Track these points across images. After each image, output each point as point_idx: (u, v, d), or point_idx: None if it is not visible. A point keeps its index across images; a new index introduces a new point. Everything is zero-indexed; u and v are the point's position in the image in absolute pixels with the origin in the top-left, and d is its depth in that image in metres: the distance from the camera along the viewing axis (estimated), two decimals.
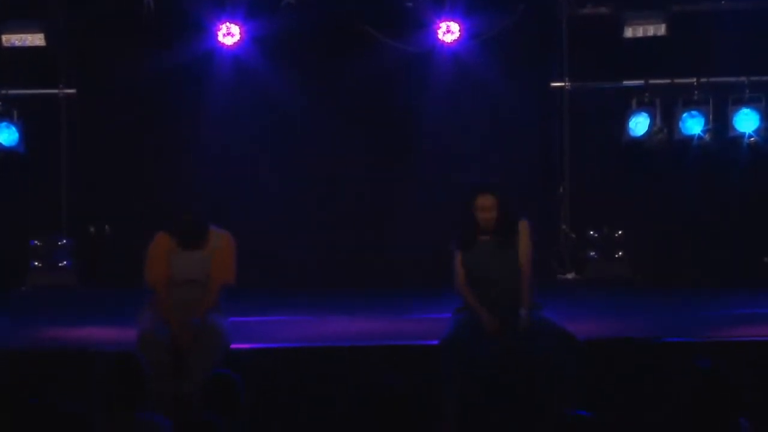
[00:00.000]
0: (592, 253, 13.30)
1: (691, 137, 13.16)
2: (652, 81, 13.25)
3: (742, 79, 13.16)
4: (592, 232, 13.34)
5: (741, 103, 13.09)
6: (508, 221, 8.20)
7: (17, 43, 13.00)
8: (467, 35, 13.21)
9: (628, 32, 13.01)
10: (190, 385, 7.55)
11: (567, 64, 13.52)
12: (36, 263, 13.19)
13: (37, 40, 13.00)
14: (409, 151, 13.53)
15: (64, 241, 13.30)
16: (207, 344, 7.86)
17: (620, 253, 13.27)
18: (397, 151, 13.58)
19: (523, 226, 8.21)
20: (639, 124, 13.21)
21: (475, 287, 8.12)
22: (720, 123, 13.16)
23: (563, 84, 13.59)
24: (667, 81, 13.27)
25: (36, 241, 13.23)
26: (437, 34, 13.20)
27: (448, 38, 13.20)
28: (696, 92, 13.19)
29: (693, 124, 13.14)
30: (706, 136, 13.15)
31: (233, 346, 8.16)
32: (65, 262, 13.23)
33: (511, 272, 8.10)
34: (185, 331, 7.89)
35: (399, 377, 4.85)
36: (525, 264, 8.13)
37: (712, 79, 13.24)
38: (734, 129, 13.12)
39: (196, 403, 6.59)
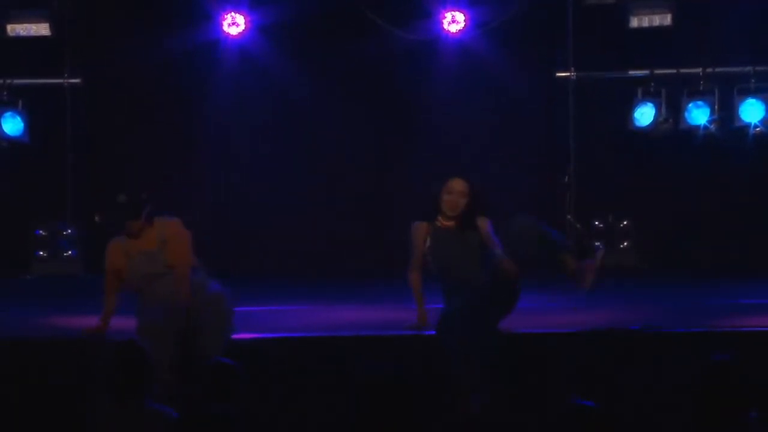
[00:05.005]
0: (597, 243, 13.29)
1: (696, 127, 13.15)
2: (657, 71, 13.23)
3: (748, 69, 13.14)
4: (597, 222, 13.34)
5: (747, 93, 13.06)
6: (472, 214, 8.24)
7: (22, 33, 13.00)
8: (472, 25, 13.20)
9: (634, 22, 12.99)
10: (197, 367, 7.46)
11: (572, 53, 13.49)
12: (41, 253, 13.21)
13: (42, 29, 13.00)
14: (415, 141, 13.52)
15: (69, 230, 13.31)
16: (213, 328, 7.86)
17: (625, 243, 13.27)
18: (403, 140, 13.57)
19: (482, 222, 8.23)
20: (644, 114, 13.18)
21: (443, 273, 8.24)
22: (725, 113, 13.14)
23: (569, 74, 13.56)
24: (673, 71, 13.25)
25: (41, 231, 13.24)
26: (442, 24, 13.19)
27: (453, 28, 13.19)
28: (701, 82, 13.17)
29: (698, 115, 13.12)
30: (712, 127, 13.13)
31: (236, 336, 8.14)
32: (70, 252, 13.23)
33: (471, 263, 8.13)
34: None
35: (402, 367, 4.84)
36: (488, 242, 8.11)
37: (718, 69, 13.21)
38: (740, 119, 13.10)
39: (197, 391, 6.56)
